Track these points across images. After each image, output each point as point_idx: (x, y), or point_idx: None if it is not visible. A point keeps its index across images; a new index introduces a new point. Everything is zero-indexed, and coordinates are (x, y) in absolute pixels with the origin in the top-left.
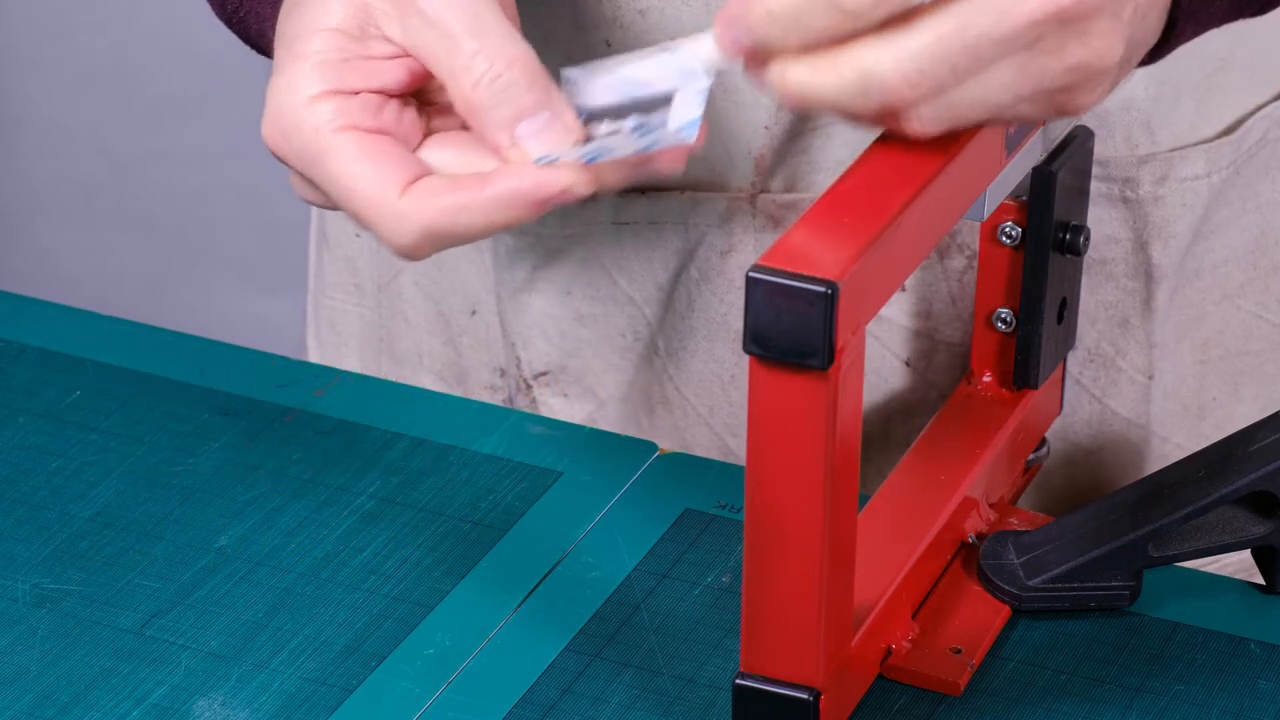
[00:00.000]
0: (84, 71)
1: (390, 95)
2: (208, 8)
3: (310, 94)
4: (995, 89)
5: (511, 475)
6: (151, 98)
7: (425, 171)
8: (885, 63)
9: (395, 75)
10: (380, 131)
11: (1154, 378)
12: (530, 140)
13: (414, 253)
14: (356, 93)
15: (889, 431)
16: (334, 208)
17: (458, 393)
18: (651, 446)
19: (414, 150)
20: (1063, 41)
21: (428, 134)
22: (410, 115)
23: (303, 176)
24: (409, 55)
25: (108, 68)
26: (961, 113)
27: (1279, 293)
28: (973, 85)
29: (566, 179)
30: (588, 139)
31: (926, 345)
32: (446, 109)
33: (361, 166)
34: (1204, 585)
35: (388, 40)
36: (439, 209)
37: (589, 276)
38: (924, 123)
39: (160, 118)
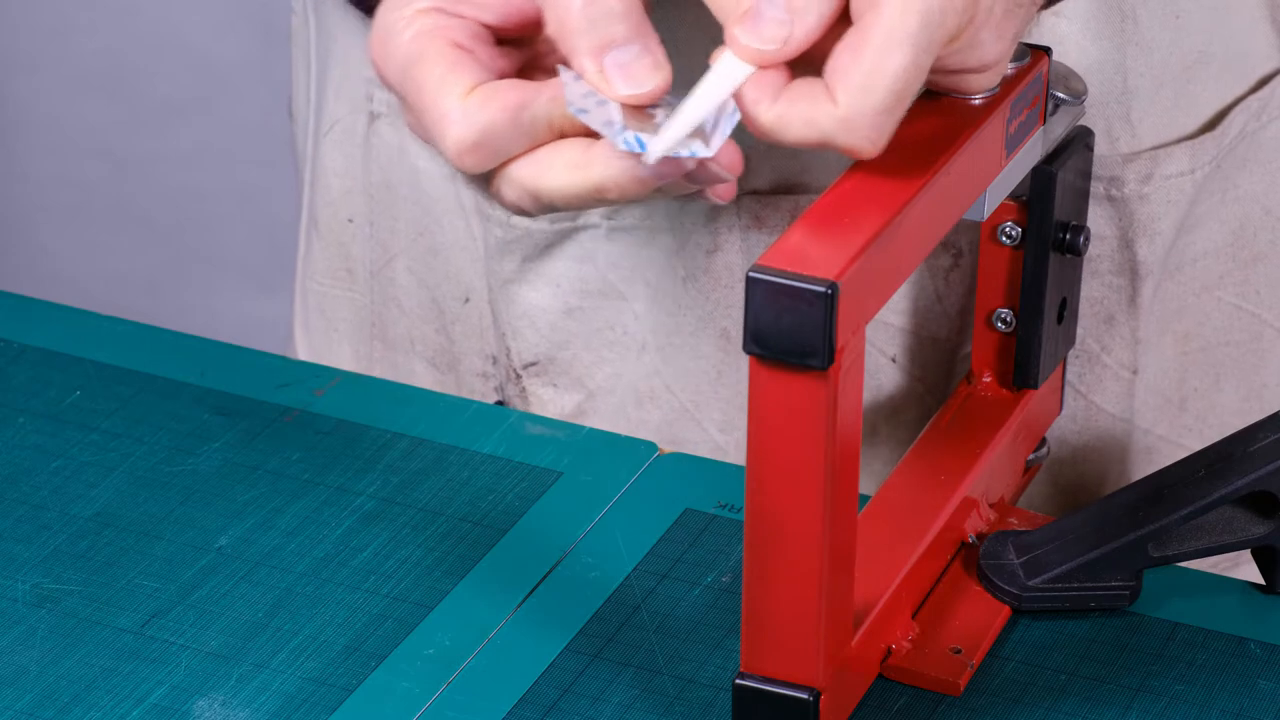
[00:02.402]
0: (84, 71)
1: (495, 31)
2: (207, 7)
3: (419, 7)
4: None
5: (511, 475)
6: (151, 98)
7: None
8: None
9: (498, 12)
10: (465, 49)
11: (1137, 372)
12: (616, 71)
13: (472, 158)
14: (462, 17)
15: (876, 427)
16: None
17: (449, 379)
18: (651, 446)
19: None
20: (940, 84)
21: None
22: (507, 61)
23: (398, 96)
24: None
25: (108, 68)
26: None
27: (1258, 283)
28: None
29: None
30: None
31: (912, 342)
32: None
33: (439, 70)
34: (1204, 585)
35: None
36: (499, 106)
37: (578, 270)
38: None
39: (160, 118)
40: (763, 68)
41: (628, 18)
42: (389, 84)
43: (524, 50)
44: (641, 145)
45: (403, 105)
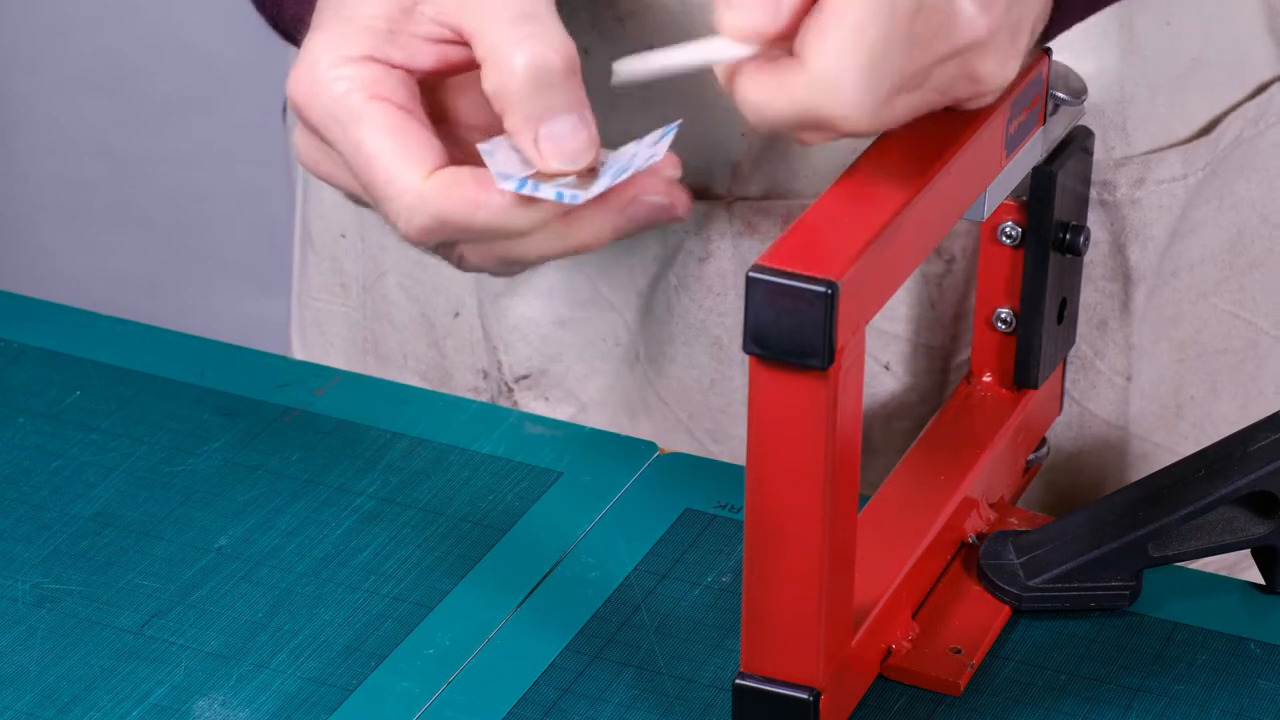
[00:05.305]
0: (84, 71)
1: (419, 79)
2: (207, 7)
3: (350, 54)
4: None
5: (511, 475)
6: (151, 98)
7: (447, 160)
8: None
9: (430, 59)
10: (408, 111)
11: (1132, 378)
12: (550, 145)
13: (422, 238)
14: (394, 67)
15: (869, 435)
16: (334, 180)
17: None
18: (651, 446)
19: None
20: (952, 79)
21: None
22: (427, 106)
23: (317, 139)
24: (446, 42)
25: (108, 68)
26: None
27: (1255, 291)
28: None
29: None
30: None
31: (906, 349)
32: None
33: (389, 141)
34: (1204, 585)
35: (432, 21)
36: (461, 200)
37: (569, 281)
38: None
39: (160, 118)
40: (761, 40)
41: (567, 83)
42: (311, 125)
43: (438, 90)
44: (576, 196)
45: (316, 143)
